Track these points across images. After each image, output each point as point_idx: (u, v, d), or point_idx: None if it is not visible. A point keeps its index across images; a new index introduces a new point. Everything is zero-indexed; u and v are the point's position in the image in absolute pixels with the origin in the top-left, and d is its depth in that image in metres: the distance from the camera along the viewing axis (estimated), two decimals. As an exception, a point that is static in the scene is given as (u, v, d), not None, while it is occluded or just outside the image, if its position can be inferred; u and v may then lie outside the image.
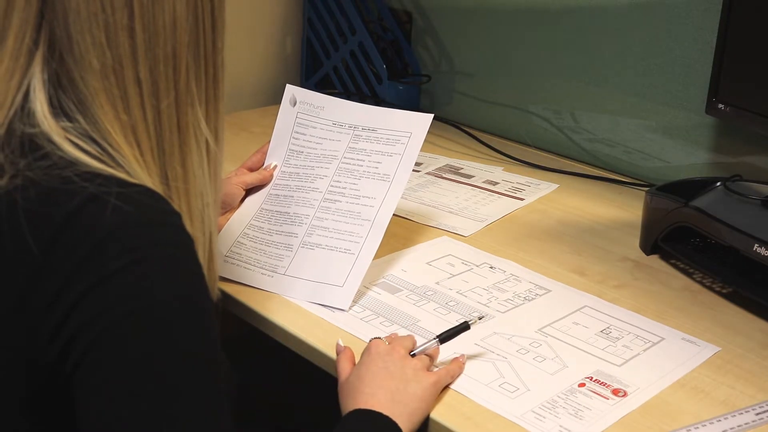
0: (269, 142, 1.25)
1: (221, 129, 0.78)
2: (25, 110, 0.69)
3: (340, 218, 1.11)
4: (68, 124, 0.69)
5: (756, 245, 1.04)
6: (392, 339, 0.92)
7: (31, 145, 0.68)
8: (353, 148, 1.17)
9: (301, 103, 1.25)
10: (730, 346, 0.99)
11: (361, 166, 1.15)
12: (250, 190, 1.21)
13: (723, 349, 0.98)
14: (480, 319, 0.95)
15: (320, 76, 1.88)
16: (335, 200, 1.13)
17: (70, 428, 0.68)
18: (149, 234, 0.66)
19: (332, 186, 1.15)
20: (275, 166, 1.22)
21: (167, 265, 0.66)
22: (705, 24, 1.36)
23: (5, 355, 0.67)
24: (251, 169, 1.23)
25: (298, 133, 1.23)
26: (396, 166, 1.13)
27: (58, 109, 0.69)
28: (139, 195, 0.67)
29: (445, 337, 0.93)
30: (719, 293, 1.11)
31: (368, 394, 0.84)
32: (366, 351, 0.89)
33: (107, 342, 0.64)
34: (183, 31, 0.71)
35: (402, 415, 0.82)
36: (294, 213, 1.14)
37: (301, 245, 1.10)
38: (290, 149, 1.22)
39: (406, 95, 1.78)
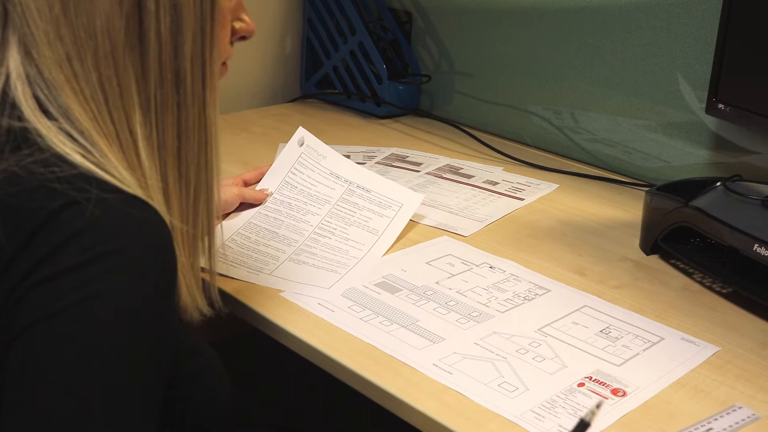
0: (269, 165, 1.29)
1: (191, 137, 0.75)
2: (7, 105, 0.69)
3: (328, 250, 1.15)
4: (52, 122, 0.69)
5: (756, 245, 1.04)
6: None
7: (18, 141, 0.68)
8: (347, 199, 1.23)
9: (307, 147, 1.31)
10: (730, 346, 0.99)
11: (353, 215, 1.21)
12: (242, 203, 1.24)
13: (723, 349, 0.98)
14: (598, 407, 0.73)
15: (320, 76, 1.88)
16: (324, 236, 1.18)
17: None
18: (114, 239, 0.65)
19: (323, 224, 1.20)
20: (270, 193, 1.25)
21: (120, 272, 0.65)
22: (705, 24, 1.36)
23: None
24: (246, 183, 1.26)
25: (296, 170, 1.28)
26: (385, 226, 1.19)
27: (41, 105, 0.70)
28: (118, 201, 0.67)
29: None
30: (719, 293, 1.11)
31: None
32: None
33: (36, 334, 0.63)
34: (117, 33, 0.69)
35: None
36: (283, 234, 1.18)
37: (288, 259, 1.13)
38: (286, 181, 1.27)
39: (406, 95, 1.78)
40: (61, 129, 0.69)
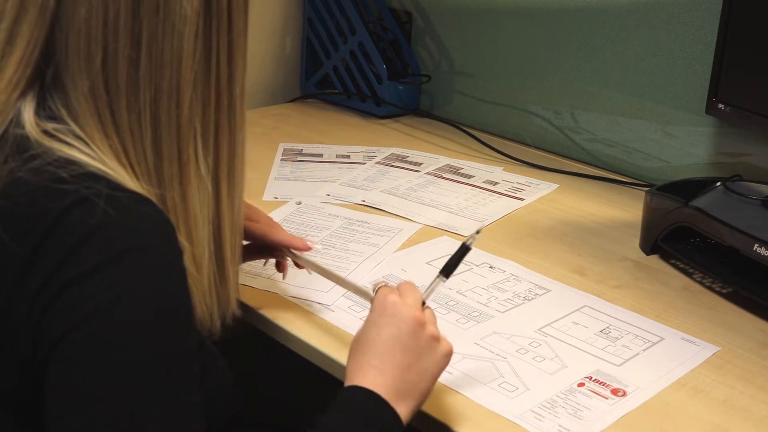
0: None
1: (239, 152, 0.78)
2: (19, 116, 0.69)
3: (329, 258, 1.15)
4: (58, 125, 0.69)
5: (756, 245, 1.04)
6: (401, 289, 0.84)
7: (21, 147, 0.68)
8: (346, 228, 1.25)
9: (305, 205, 1.33)
10: (730, 346, 0.99)
11: (353, 236, 1.22)
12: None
13: (723, 349, 0.98)
14: (477, 233, 0.85)
15: (320, 76, 1.88)
16: (325, 249, 1.18)
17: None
18: (129, 237, 0.65)
19: (323, 241, 1.20)
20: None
21: (142, 270, 0.65)
22: (705, 24, 1.36)
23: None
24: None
25: (292, 216, 1.29)
26: (385, 242, 1.21)
27: (48, 112, 0.70)
28: (128, 200, 0.67)
29: (447, 271, 0.86)
30: (719, 293, 1.11)
31: (376, 368, 0.78)
32: (378, 306, 0.81)
33: (70, 342, 0.64)
34: (189, 67, 0.71)
35: (411, 391, 0.78)
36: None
37: (288, 264, 1.12)
38: (284, 219, 1.27)
39: (406, 95, 1.78)
40: (70, 138, 0.69)
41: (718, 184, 1.19)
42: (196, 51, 0.71)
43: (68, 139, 0.68)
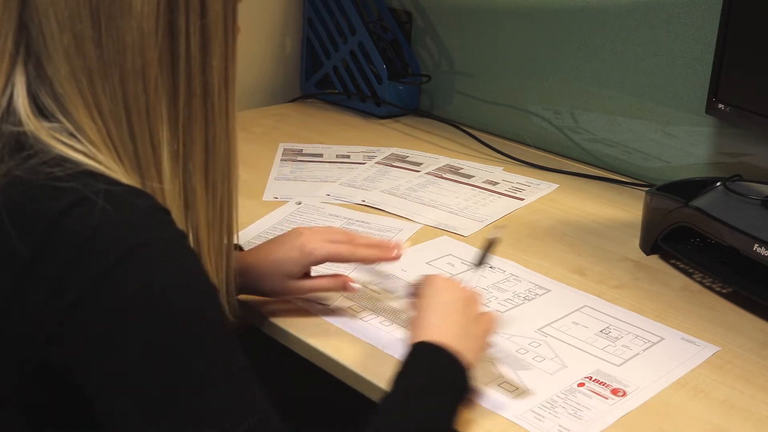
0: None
1: (219, 145, 0.76)
2: (9, 111, 0.69)
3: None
4: (53, 124, 0.69)
5: (756, 245, 1.04)
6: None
7: (18, 145, 0.68)
8: (346, 228, 1.25)
9: (305, 205, 1.32)
10: (730, 346, 0.99)
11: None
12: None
13: (723, 349, 0.98)
14: (501, 227, 0.97)
15: (320, 76, 1.88)
16: None
17: (69, 423, 0.69)
18: (135, 231, 0.65)
19: None
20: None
21: (156, 258, 0.65)
22: (705, 24, 1.36)
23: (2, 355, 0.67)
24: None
25: (293, 215, 1.29)
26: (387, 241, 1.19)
27: (42, 109, 0.69)
28: (126, 194, 0.67)
29: (480, 262, 0.95)
30: (719, 293, 1.11)
31: (435, 326, 0.83)
32: (430, 282, 0.88)
33: (111, 348, 0.64)
34: (151, 49, 0.70)
35: (468, 349, 0.82)
36: None
37: None
38: (285, 219, 1.27)
39: (406, 95, 1.78)
40: (65, 136, 0.69)
41: (718, 184, 1.19)
42: (158, 32, 0.70)
43: (63, 138, 0.68)
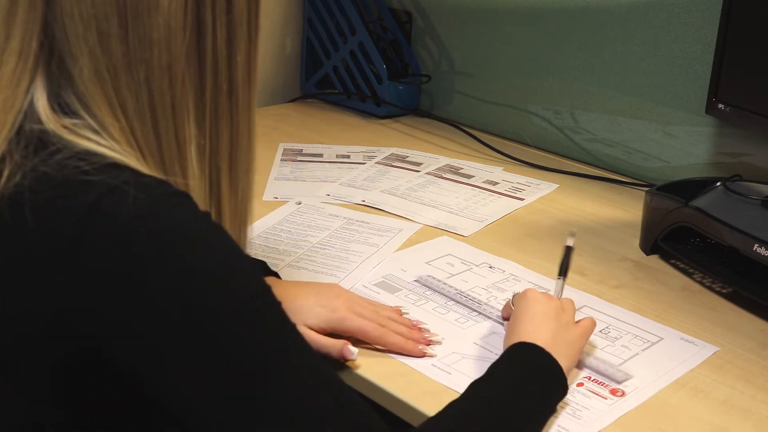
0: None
1: (242, 139, 0.77)
2: (32, 110, 0.69)
3: (328, 258, 1.15)
4: (75, 120, 0.69)
5: (756, 245, 1.04)
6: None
7: (41, 143, 0.68)
8: (346, 228, 1.24)
9: (305, 205, 1.32)
10: (730, 346, 0.99)
11: (353, 236, 1.22)
12: None
13: (723, 349, 0.98)
14: (573, 235, 1.02)
15: (320, 76, 1.88)
16: (324, 248, 1.17)
17: (109, 418, 0.68)
18: (170, 216, 0.65)
19: (323, 241, 1.20)
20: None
21: (196, 241, 0.65)
22: (705, 24, 1.36)
23: (35, 355, 0.66)
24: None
25: (291, 216, 1.29)
26: (385, 242, 1.20)
27: (63, 107, 0.69)
28: (154, 183, 0.67)
29: (564, 271, 1.00)
30: (719, 293, 1.11)
31: (530, 332, 0.87)
32: (522, 296, 0.93)
33: (177, 342, 0.63)
34: (178, 45, 0.70)
35: (561, 355, 0.85)
36: (283, 249, 1.17)
37: (287, 265, 1.13)
38: (285, 219, 1.27)
39: (406, 95, 1.78)
40: (88, 132, 0.69)
41: (718, 184, 1.19)
42: (185, 29, 0.70)
43: (86, 134, 0.68)
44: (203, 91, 0.73)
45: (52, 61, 0.69)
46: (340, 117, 1.79)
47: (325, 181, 1.42)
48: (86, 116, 0.69)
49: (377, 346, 0.93)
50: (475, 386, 0.81)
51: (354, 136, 1.67)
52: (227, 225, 0.77)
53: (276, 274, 1.01)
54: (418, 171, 1.49)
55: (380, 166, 1.50)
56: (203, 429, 0.65)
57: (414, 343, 0.94)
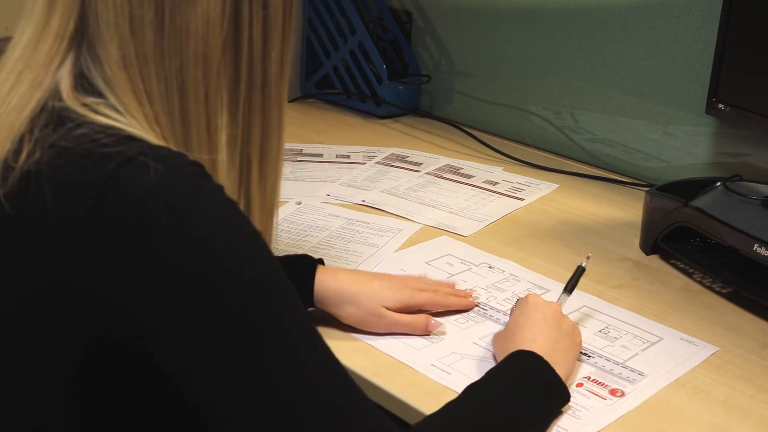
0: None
1: (273, 132, 0.78)
2: (56, 89, 0.70)
3: (328, 258, 1.14)
4: (98, 99, 0.70)
5: (756, 245, 1.04)
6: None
7: (60, 120, 0.68)
8: (346, 228, 1.24)
9: (305, 205, 1.33)
10: (730, 346, 0.99)
11: (353, 236, 1.22)
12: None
13: (723, 349, 0.98)
14: (587, 258, 1.02)
15: (320, 76, 1.88)
16: (324, 249, 1.17)
17: (129, 399, 0.68)
18: (187, 187, 0.65)
19: (323, 241, 1.20)
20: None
21: (210, 210, 0.66)
22: (705, 24, 1.36)
23: (53, 333, 0.66)
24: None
25: (293, 215, 1.29)
26: (385, 242, 1.20)
27: (87, 89, 0.70)
28: (168, 153, 0.67)
29: (570, 288, 1.00)
30: (719, 293, 1.11)
31: (530, 339, 0.87)
32: (523, 302, 0.94)
33: (181, 303, 0.63)
34: (216, 36, 0.71)
35: (560, 364, 0.86)
36: (282, 249, 1.17)
37: None
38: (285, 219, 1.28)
39: (406, 95, 1.78)
40: (109, 110, 0.69)
41: (718, 184, 1.19)
42: (223, 20, 0.71)
43: (106, 111, 0.69)
44: (238, 83, 0.74)
45: (83, 44, 0.70)
46: (340, 117, 1.79)
47: (325, 181, 1.42)
48: (110, 97, 0.70)
49: (437, 311, 1.01)
50: (471, 389, 0.81)
51: (354, 136, 1.67)
52: (256, 215, 0.78)
53: (321, 261, 1.02)
54: (418, 171, 1.49)
55: (380, 166, 1.50)
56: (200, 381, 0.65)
57: (465, 299, 1.04)
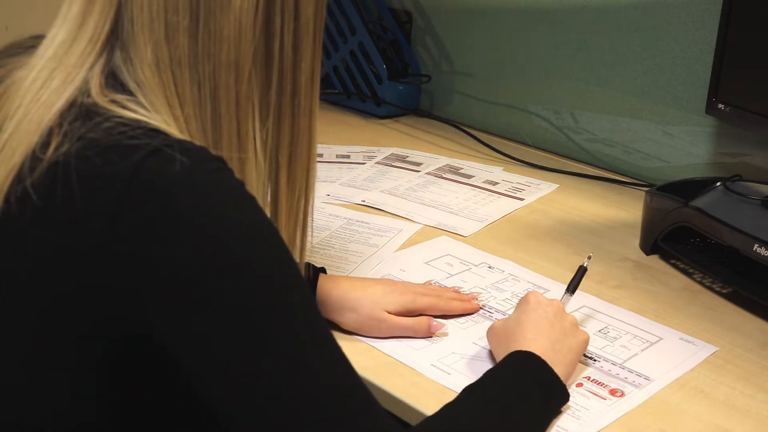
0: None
1: (302, 140, 0.79)
2: (87, 87, 0.71)
3: (327, 258, 1.15)
4: (127, 96, 0.70)
5: (756, 245, 1.04)
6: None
7: (89, 114, 0.69)
8: (346, 228, 1.24)
9: None
10: (730, 346, 0.99)
11: (353, 236, 1.22)
12: None
13: (723, 349, 0.98)
14: (589, 258, 1.02)
15: (320, 76, 1.88)
16: (323, 249, 1.17)
17: (149, 390, 0.69)
18: (212, 180, 0.66)
19: (322, 241, 1.20)
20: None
21: (233, 203, 0.66)
22: (705, 24, 1.36)
23: (80, 325, 0.67)
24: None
25: None
26: (385, 242, 1.20)
27: (117, 89, 0.71)
28: (192, 147, 0.68)
29: (573, 288, 0.99)
30: (719, 293, 1.11)
31: (530, 339, 0.87)
32: (524, 300, 0.93)
33: (201, 294, 0.64)
34: (248, 42, 0.72)
35: (560, 364, 0.86)
36: None
37: None
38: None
39: (406, 95, 1.78)
40: (137, 106, 0.70)
41: (718, 184, 1.19)
42: (255, 27, 0.72)
43: (134, 107, 0.70)
44: (268, 90, 0.75)
45: (117, 46, 0.71)
46: (340, 117, 1.79)
47: (325, 181, 1.42)
48: (140, 97, 0.71)
49: (438, 314, 1.00)
50: (470, 390, 0.80)
51: (354, 136, 1.67)
52: (282, 222, 0.79)
53: (323, 270, 1.02)
54: (418, 171, 1.49)
55: (380, 166, 1.50)
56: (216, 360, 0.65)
57: (469, 303, 1.03)
